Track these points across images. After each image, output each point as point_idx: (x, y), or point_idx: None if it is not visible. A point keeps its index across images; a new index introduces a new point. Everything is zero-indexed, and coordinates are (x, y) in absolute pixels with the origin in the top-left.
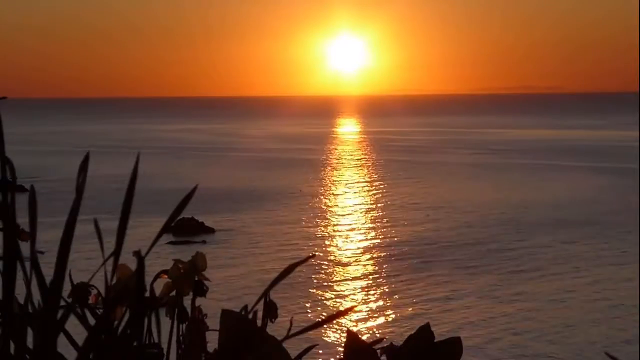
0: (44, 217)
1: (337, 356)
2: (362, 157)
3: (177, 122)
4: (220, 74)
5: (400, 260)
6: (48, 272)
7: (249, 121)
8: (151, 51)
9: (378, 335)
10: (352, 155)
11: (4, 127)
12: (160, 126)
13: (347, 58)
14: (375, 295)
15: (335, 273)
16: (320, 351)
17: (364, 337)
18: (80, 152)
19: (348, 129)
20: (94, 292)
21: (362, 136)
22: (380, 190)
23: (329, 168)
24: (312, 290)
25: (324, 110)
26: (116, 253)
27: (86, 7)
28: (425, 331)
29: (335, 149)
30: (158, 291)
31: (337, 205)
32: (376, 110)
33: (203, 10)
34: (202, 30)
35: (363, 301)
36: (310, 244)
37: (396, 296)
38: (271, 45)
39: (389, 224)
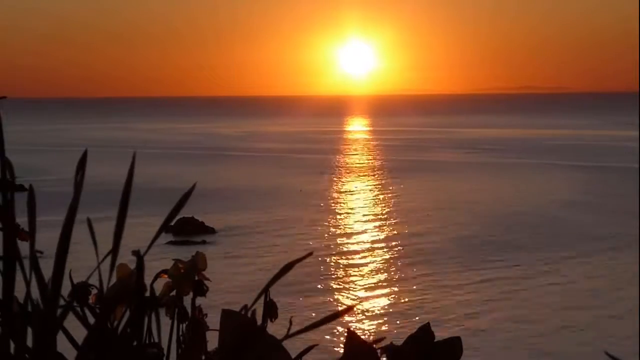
0: (43, 216)
1: (337, 356)
2: (364, 156)
3: (190, 122)
4: (240, 75)
5: (400, 258)
6: (48, 272)
7: (256, 120)
8: (177, 54)
9: (378, 334)
10: (353, 154)
11: (4, 126)
12: (170, 125)
13: (356, 61)
14: (376, 294)
15: (334, 272)
16: (320, 351)
17: (364, 337)
18: (78, 151)
19: (351, 128)
20: (95, 291)
21: (365, 136)
22: (380, 189)
23: (329, 168)
24: (311, 289)
25: (331, 110)
26: (114, 252)
27: (105, 11)
28: (425, 331)
29: (336, 148)
30: (158, 291)
31: (337, 205)
32: (379, 110)
33: (223, 18)
34: (222, 35)
35: (363, 300)
36: (311, 242)
37: (396, 295)
38: (287, 51)
39: (389, 223)
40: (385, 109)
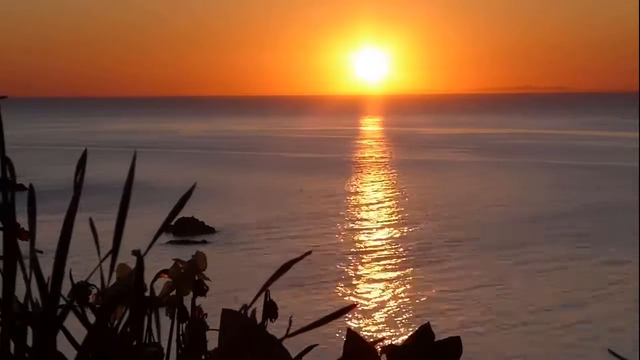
0: (43, 216)
1: (337, 356)
2: (364, 155)
3: (197, 121)
4: (261, 76)
5: (399, 258)
6: (47, 271)
7: (261, 120)
8: (205, 57)
9: (378, 334)
10: (353, 154)
11: (5, 126)
12: (179, 125)
13: (369, 66)
14: (375, 293)
15: (334, 271)
16: (320, 350)
17: (364, 336)
18: (80, 150)
19: (353, 127)
20: (95, 291)
21: (365, 135)
22: (378, 189)
23: (328, 168)
24: (311, 288)
25: (335, 110)
26: (114, 252)
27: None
28: (425, 331)
29: (335, 148)
30: (158, 291)
31: (336, 204)
32: (382, 110)
33: (243, 25)
34: (240, 40)
35: (363, 299)
36: (311, 242)
37: (396, 294)
38: (304, 57)
39: (388, 222)
40: (387, 109)
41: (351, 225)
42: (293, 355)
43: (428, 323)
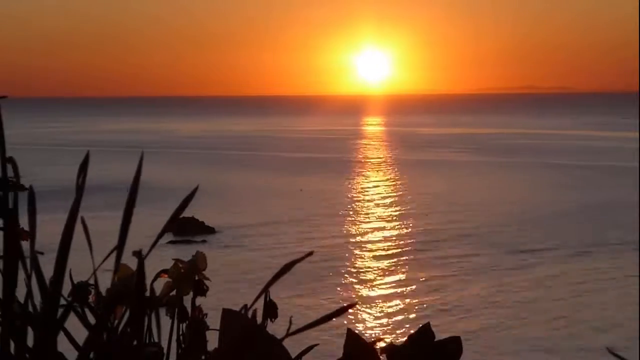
0: (43, 216)
1: (337, 355)
2: (365, 155)
3: (201, 121)
4: (261, 76)
5: (399, 257)
6: (47, 272)
7: (261, 119)
8: (218, 58)
9: (378, 334)
10: (353, 154)
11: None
12: (180, 125)
13: (371, 67)
14: (376, 293)
15: (335, 270)
16: (320, 350)
17: (364, 336)
18: (79, 150)
19: (354, 127)
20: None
21: (366, 135)
22: (379, 189)
23: (328, 168)
24: (312, 289)
25: (339, 110)
26: (118, 252)
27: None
28: (425, 330)
29: (336, 148)
30: (158, 291)
31: (336, 204)
32: (383, 110)
33: (245, 27)
34: (240, 40)
35: (364, 298)
36: (311, 242)
37: (396, 294)
38: (305, 57)
39: (388, 222)
40: (388, 109)
41: (351, 225)
42: (293, 355)
43: (428, 323)
